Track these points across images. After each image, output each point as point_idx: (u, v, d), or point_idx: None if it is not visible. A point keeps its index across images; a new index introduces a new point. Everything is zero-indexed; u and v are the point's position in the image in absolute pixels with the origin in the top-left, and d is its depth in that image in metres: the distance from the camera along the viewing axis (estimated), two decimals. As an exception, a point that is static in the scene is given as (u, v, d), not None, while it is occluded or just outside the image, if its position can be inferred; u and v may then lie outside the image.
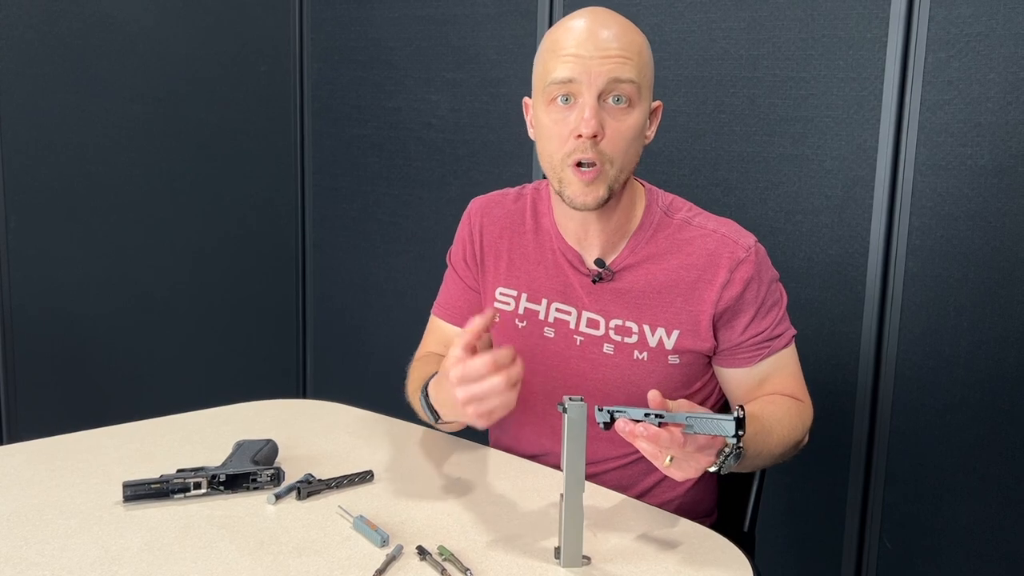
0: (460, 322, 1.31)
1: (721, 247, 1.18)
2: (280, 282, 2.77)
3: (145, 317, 2.48)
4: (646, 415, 0.90)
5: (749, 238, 1.20)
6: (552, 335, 1.24)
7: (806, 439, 1.20)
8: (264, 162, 2.68)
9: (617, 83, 1.08)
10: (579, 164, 1.10)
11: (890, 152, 1.79)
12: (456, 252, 1.34)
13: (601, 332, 1.21)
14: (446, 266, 1.37)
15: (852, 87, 1.82)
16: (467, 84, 2.35)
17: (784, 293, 1.25)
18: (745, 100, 1.93)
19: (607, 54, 1.08)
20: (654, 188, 1.25)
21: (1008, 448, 1.74)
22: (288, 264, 2.77)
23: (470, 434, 1.31)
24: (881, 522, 1.90)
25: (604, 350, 1.21)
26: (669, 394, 1.22)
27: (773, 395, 1.19)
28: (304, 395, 2.80)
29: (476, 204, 1.33)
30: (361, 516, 1.00)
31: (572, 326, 1.23)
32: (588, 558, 0.93)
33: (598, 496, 1.11)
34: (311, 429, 1.31)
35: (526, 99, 1.22)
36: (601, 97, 1.09)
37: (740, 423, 0.88)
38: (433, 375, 1.15)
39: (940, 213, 1.76)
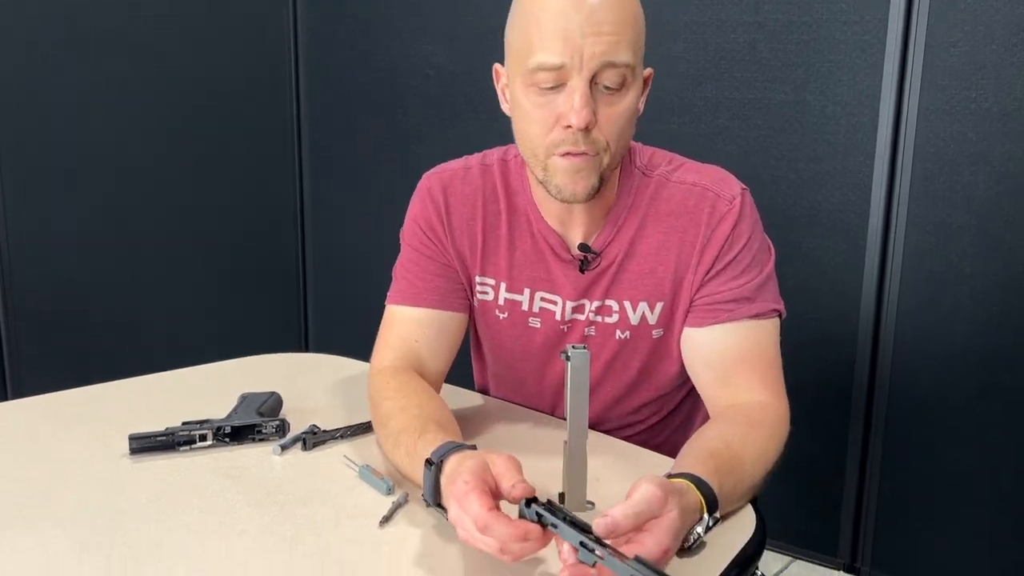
0: (436, 304, 1.14)
1: (701, 202, 1.07)
2: (280, 239, 2.76)
3: (147, 276, 2.48)
4: (582, 544, 0.72)
5: (732, 187, 1.07)
6: (538, 325, 1.14)
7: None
8: (260, 118, 2.65)
9: (611, 67, 0.95)
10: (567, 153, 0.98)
11: (893, 97, 1.77)
12: (413, 232, 1.16)
13: (583, 316, 1.13)
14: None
15: (855, 31, 1.79)
16: (464, 35, 2.32)
17: (771, 257, 1.10)
18: (746, 46, 1.91)
19: (599, 31, 0.93)
20: (634, 145, 1.11)
21: (1008, 394, 1.75)
22: (287, 220, 2.76)
23: (472, 383, 1.32)
24: (881, 467, 1.92)
25: (586, 332, 1.13)
26: (654, 367, 1.13)
27: (741, 418, 1.00)
28: (307, 350, 2.81)
29: (434, 181, 1.15)
30: (367, 465, 1.00)
31: (558, 317, 1.13)
32: (592, 503, 0.94)
33: (602, 443, 1.11)
34: (314, 382, 1.31)
35: (497, 67, 1.07)
36: (592, 80, 0.95)
37: None
38: (451, 446, 0.88)
39: (943, 158, 1.75)
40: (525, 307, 1.15)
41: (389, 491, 0.95)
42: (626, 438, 1.16)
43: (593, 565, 0.72)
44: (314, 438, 1.08)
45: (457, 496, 0.78)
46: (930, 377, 1.83)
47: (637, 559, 0.70)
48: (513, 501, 0.79)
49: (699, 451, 0.92)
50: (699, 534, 0.82)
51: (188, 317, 2.56)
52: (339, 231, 2.72)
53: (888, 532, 1.94)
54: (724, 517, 0.89)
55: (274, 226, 2.74)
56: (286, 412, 1.18)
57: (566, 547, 0.74)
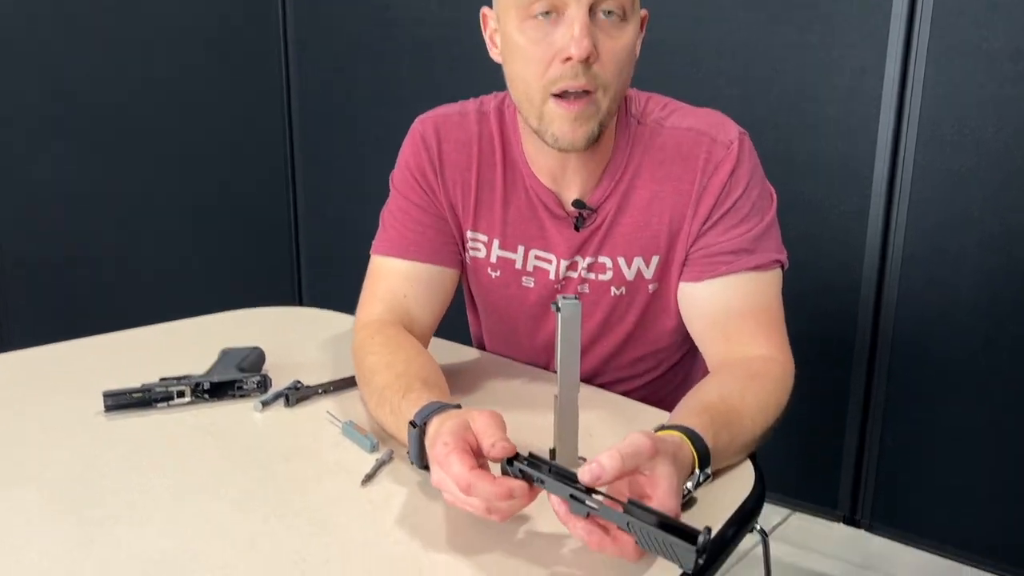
0: (427, 257, 1.08)
1: (696, 147, 1.00)
2: (271, 192, 2.71)
3: (134, 231, 2.43)
4: (572, 496, 0.68)
5: (730, 131, 1.01)
6: (531, 284, 1.10)
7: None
8: (248, 65, 2.57)
9: None
10: (564, 93, 0.92)
11: (901, 38, 1.70)
12: (404, 179, 1.09)
13: (576, 274, 1.08)
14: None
15: (862, -32, 1.71)
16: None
17: (772, 204, 1.03)
18: (749, -15, 1.83)
19: None
20: (629, 93, 1.05)
21: (1014, 344, 1.71)
22: (277, 173, 2.70)
23: (465, 338, 1.28)
24: (883, 419, 1.89)
25: (579, 290, 1.08)
26: (650, 322, 1.09)
27: (741, 371, 0.95)
28: (300, 303, 2.77)
29: (428, 125, 1.08)
30: (350, 421, 0.96)
31: (552, 276, 1.08)
32: (584, 459, 0.90)
33: (596, 397, 1.08)
34: (298, 336, 1.27)
35: (485, 11, 1.01)
36: (591, 10, 0.90)
37: (704, 551, 0.61)
38: (435, 406, 0.84)
39: (952, 101, 1.68)
40: (519, 265, 1.10)
41: (373, 448, 0.92)
42: (623, 394, 1.11)
43: (587, 516, 0.69)
44: (297, 394, 1.04)
45: (438, 459, 0.75)
46: (935, 328, 1.79)
47: (631, 503, 0.67)
48: (494, 460, 0.75)
49: (694, 404, 0.88)
50: (688, 489, 0.79)
51: (177, 276, 2.52)
52: (330, 184, 2.66)
53: (889, 485, 1.91)
54: (718, 472, 0.86)
55: (263, 181, 2.69)
56: (269, 367, 1.14)
57: (554, 499, 0.71)
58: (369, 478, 0.85)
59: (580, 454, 0.90)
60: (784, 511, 2.10)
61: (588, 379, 1.15)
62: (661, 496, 0.70)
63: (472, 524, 0.78)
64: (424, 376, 0.94)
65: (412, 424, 0.83)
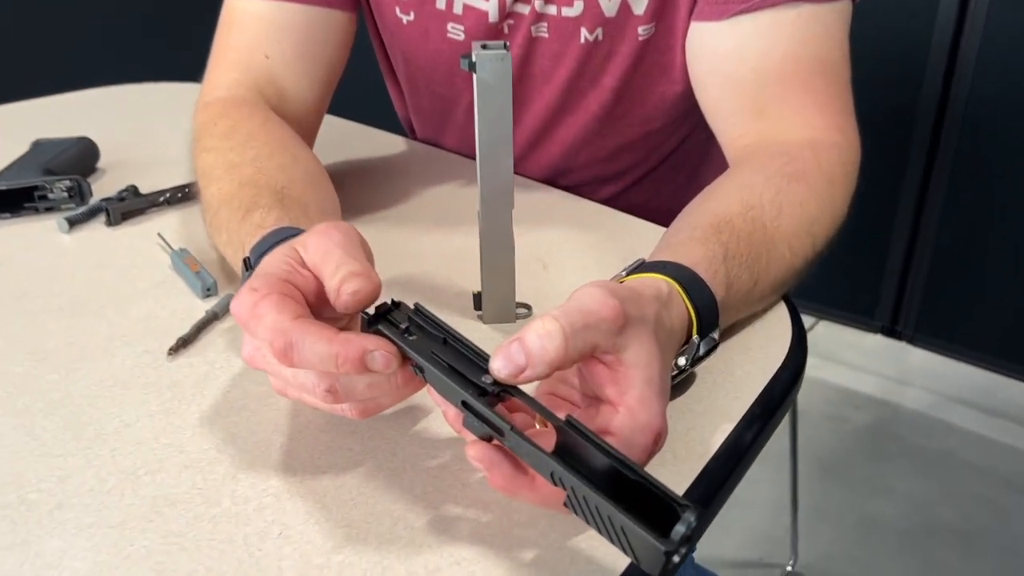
0: None
1: None
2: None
3: None
4: (464, 404, 0.39)
5: None
6: (461, 36, 0.75)
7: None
8: None
9: None
10: None
11: None
12: None
13: (527, 8, 0.72)
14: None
15: None
16: None
17: None
18: None
19: None
20: None
21: None
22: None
23: (391, 125, 0.94)
24: (940, 216, 1.56)
25: (533, 33, 0.73)
26: (642, 87, 0.73)
27: (777, 164, 0.60)
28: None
29: None
30: (182, 249, 0.65)
31: (492, 16, 0.73)
32: (528, 308, 0.59)
33: (560, 206, 0.74)
34: (156, 124, 0.93)
35: None
36: None
37: (683, 544, 0.32)
38: (285, 233, 0.51)
39: None
40: (441, 4, 0.73)
41: (208, 293, 0.61)
42: (603, 201, 0.76)
43: (489, 439, 0.38)
44: (121, 206, 0.72)
45: (242, 315, 0.42)
46: (1017, 100, 1.41)
47: (569, 423, 0.36)
48: (345, 310, 0.42)
49: (701, 221, 0.54)
50: (680, 367, 0.47)
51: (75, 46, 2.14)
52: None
53: (939, 292, 1.61)
54: (731, 328, 0.54)
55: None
56: (105, 168, 0.82)
57: (437, 396, 0.41)
58: (184, 344, 0.55)
59: (520, 299, 0.58)
60: (809, 319, 1.82)
61: (549, 178, 0.81)
62: (631, 405, 0.39)
63: (328, 428, 0.48)
64: (281, 185, 0.60)
65: (246, 264, 0.51)
